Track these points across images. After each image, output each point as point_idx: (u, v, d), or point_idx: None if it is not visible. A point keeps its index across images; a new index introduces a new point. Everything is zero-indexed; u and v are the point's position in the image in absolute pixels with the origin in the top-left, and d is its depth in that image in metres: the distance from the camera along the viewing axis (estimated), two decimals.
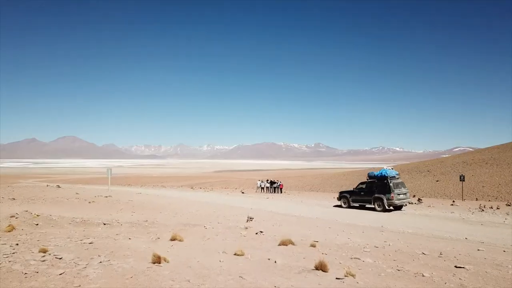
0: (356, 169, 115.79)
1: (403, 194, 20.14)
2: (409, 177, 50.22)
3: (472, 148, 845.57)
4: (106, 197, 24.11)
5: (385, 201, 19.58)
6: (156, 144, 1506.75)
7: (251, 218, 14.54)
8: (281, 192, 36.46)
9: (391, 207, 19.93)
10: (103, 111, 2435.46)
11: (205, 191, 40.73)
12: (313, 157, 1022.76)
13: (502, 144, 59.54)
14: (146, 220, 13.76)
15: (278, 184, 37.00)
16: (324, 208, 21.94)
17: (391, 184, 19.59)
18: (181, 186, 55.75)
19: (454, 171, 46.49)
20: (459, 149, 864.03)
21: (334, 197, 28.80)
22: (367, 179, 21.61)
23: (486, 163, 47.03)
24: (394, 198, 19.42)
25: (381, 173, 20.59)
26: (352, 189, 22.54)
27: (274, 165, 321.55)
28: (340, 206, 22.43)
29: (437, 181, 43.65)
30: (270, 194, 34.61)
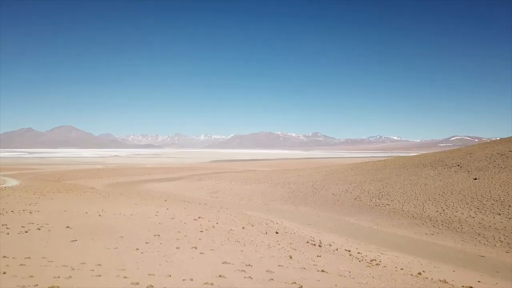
0: (363, 158, 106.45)
1: None
2: (434, 173, 42.06)
3: (469, 137, 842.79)
4: None
5: None
6: (153, 133, 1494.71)
7: None
8: None
9: None
10: (100, 100, 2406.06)
11: None
12: (310, 146, 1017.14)
13: None
14: None
15: None
16: None
17: None
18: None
19: (494, 166, 38.30)
20: (457, 138, 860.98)
21: None
22: None
23: None
24: None
25: None
26: None
27: (271, 155, 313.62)
28: None
29: (475, 179, 35.52)
30: None
